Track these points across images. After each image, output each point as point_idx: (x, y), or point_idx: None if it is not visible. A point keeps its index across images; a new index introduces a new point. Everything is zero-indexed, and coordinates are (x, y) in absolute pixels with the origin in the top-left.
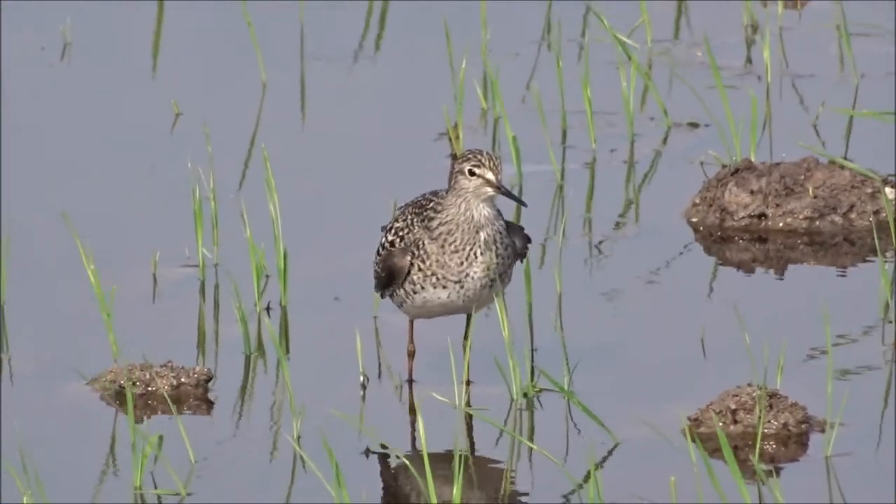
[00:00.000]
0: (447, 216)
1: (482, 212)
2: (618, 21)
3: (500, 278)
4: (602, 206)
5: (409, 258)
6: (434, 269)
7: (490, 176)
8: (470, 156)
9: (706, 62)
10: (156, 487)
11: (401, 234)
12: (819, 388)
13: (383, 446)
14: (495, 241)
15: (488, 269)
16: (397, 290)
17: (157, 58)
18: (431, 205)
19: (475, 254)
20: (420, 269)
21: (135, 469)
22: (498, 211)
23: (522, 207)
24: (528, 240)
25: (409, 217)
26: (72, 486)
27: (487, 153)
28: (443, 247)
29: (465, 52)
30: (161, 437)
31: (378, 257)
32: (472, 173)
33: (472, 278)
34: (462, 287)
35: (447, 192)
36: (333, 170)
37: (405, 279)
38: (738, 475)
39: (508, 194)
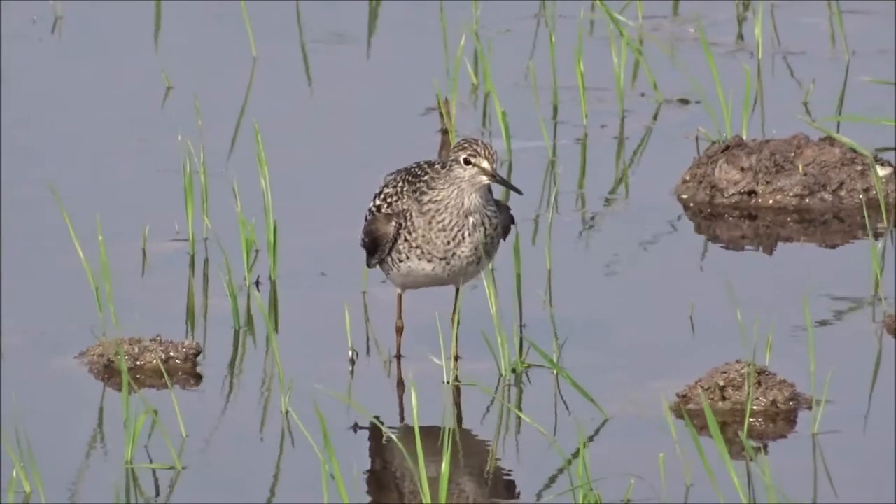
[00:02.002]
0: (439, 196)
1: (473, 200)
2: None
3: (487, 255)
4: (593, 182)
5: (393, 225)
6: (420, 242)
7: (486, 165)
8: (466, 145)
9: (698, 38)
10: (149, 461)
11: (389, 200)
12: (807, 365)
13: (377, 419)
14: (483, 224)
15: (476, 248)
16: (385, 258)
17: (149, 32)
18: (426, 177)
19: (463, 235)
20: (406, 240)
21: (126, 444)
22: (489, 195)
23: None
24: (511, 220)
25: (401, 184)
26: (61, 461)
27: (483, 142)
28: (430, 223)
29: (458, 27)
30: (156, 412)
31: (365, 223)
32: (467, 162)
33: (459, 256)
34: (448, 263)
35: (440, 171)
36: (323, 144)
37: (392, 247)
38: (725, 451)
39: (504, 182)
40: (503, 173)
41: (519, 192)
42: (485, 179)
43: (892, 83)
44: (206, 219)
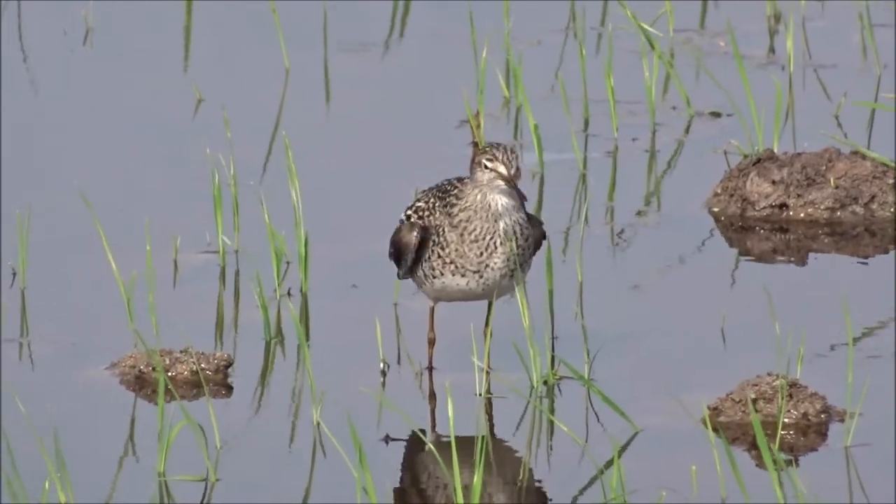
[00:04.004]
0: (466, 203)
1: (499, 201)
2: (641, 10)
3: (521, 267)
4: (624, 195)
5: (415, 234)
6: (453, 257)
7: (502, 170)
8: (487, 149)
9: (729, 52)
10: (181, 473)
11: (420, 213)
12: (839, 378)
13: (413, 432)
14: (515, 232)
15: (508, 259)
16: (416, 271)
17: (180, 43)
18: (455, 191)
19: (495, 244)
20: (440, 256)
21: (159, 454)
22: (521, 203)
23: (545, 197)
24: (543, 235)
25: (433, 200)
26: (93, 472)
27: (504, 147)
28: (462, 235)
29: (488, 40)
30: (201, 427)
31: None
32: (485, 166)
33: (492, 269)
34: (481, 277)
35: (467, 182)
36: (355, 156)
37: (423, 261)
38: (769, 457)
39: (514, 190)
40: (525, 181)
41: (524, 198)
42: (501, 184)
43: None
44: (237, 231)
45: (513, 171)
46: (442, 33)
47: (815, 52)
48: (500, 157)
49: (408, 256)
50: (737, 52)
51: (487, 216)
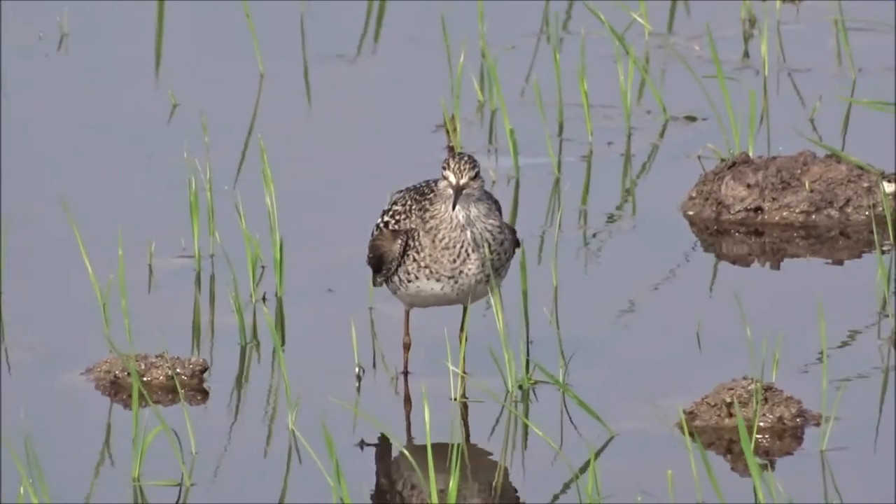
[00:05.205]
0: (436, 211)
1: (461, 212)
2: (615, 14)
3: (497, 272)
4: (599, 199)
5: (399, 244)
6: (428, 262)
7: (452, 179)
8: (447, 158)
9: (703, 56)
10: (156, 478)
11: (397, 217)
12: (815, 382)
13: (383, 437)
14: (485, 239)
15: (483, 265)
16: (392, 277)
17: (155, 49)
18: (431, 195)
19: (466, 252)
20: (415, 260)
21: (134, 460)
22: (489, 208)
23: (520, 201)
24: (516, 243)
25: (409, 202)
26: (68, 477)
27: (459, 156)
28: (433, 242)
29: (463, 44)
30: (175, 432)
31: (370, 239)
32: (442, 175)
33: (467, 275)
34: (456, 282)
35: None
36: (330, 161)
37: (399, 266)
38: (755, 464)
39: (455, 199)
40: (501, 185)
41: (453, 207)
42: (450, 192)
43: (890, 104)
44: (213, 235)
45: (462, 181)
46: (417, 38)
47: (789, 56)
48: (451, 166)
49: (392, 265)
50: (715, 56)
51: (452, 226)
